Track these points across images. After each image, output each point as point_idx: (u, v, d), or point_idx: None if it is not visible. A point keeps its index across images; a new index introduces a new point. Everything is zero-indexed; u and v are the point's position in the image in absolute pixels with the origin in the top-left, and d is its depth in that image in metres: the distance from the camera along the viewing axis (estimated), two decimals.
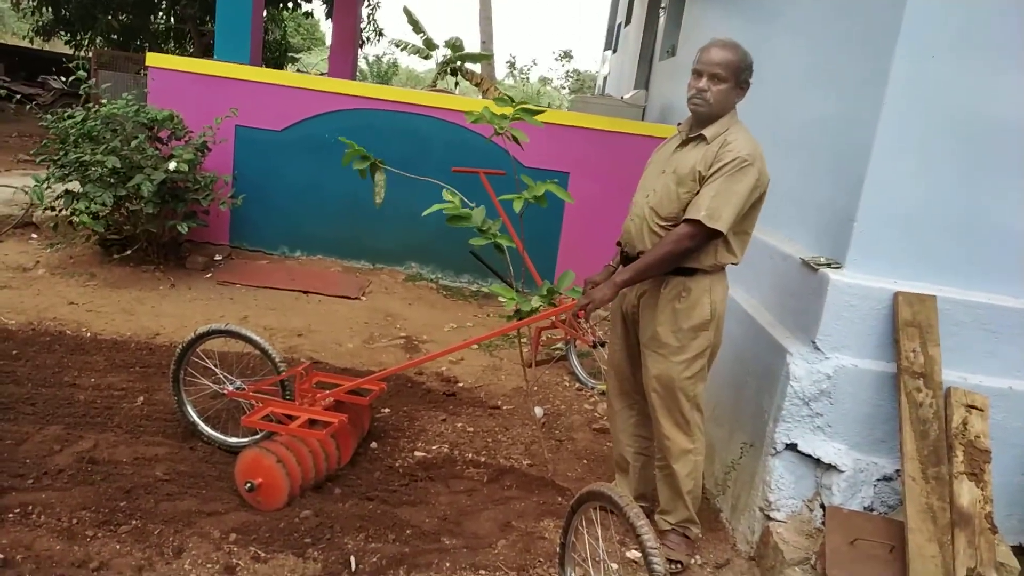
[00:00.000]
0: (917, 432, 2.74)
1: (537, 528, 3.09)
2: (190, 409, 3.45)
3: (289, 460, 3.01)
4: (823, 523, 2.88)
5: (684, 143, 2.88)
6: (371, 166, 3.51)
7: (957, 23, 2.78)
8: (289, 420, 3.17)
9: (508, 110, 3.55)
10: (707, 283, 2.82)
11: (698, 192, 2.72)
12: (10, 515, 2.72)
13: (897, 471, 2.88)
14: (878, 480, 2.92)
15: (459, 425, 3.96)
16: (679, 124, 2.96)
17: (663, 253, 2.72)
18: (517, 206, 3.36)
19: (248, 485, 2.96)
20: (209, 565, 2.62)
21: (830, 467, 2.94)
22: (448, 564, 2.78)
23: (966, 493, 2.64)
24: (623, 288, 2.86)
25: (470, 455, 3.66)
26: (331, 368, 4.38)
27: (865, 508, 2.92)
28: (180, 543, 2.70)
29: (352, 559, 2.72)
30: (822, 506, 2.94)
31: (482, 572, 2.78)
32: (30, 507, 2.77)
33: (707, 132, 2.77)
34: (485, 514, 3.15)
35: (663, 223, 2.82)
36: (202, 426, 3.45)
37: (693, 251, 2.73)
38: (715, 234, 2.66)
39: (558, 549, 2.52)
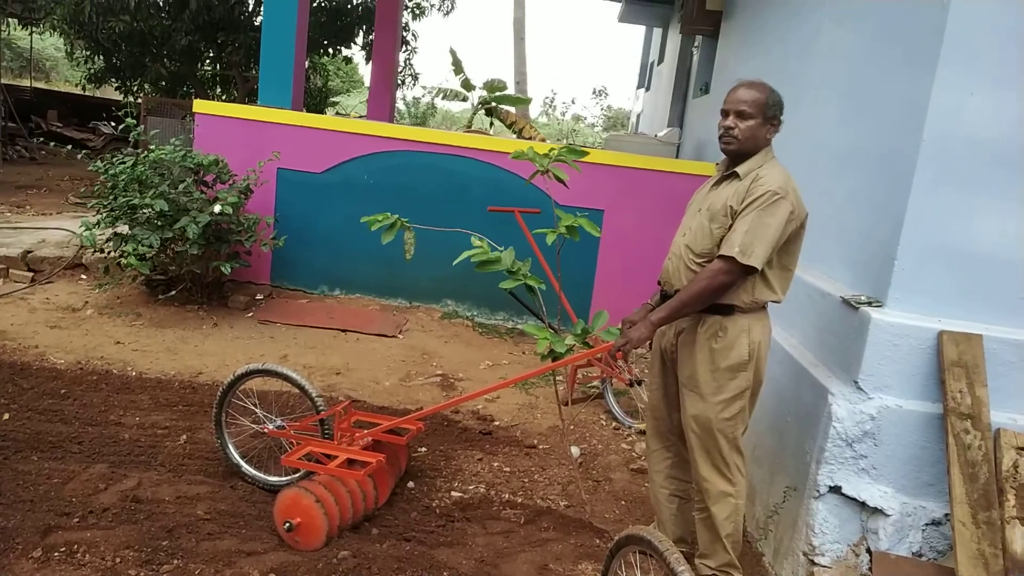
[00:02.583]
0: (966, 475, 2.66)
1: (575, 571, 3.05)
2: (232, 450, 3.51)
3: (328, 500, 3.03)
4: (870, 569, 2.81)
5: (719, 182, 2.90)
6: (400, 226, 3.54)
7: (996, 56, 2.76)
8: (328, 459, 3.20)
9: (552, 147, 3.61)
10: (745, 323, 2.78)
11: (731, 227, 2.72)
12: (56, 554, 2.77)
13: (946, 515, 2.80)
14: (926, 524, 2.84)
15: (495, 465, 3.95)
16: (718, 164, 2.97)
17: (697, 290, 2.71)
18: (550, 239, 3.40)
19: (287, 525, 2.98)
20: None
21: (876, 511, 2.87)
22: None
23: (1019, 539, 2.55)
24: (659, 327, 2.84)
25: (507, 495, 3.65)
26: (369, 407, 4.41)
27: (914, 553, 2.84)
28: None
29: None
30: (868, 551, 2.87)
31: None
32: (75, 546, 2.82)
33: (740, 169, 2.79)
34: (522, 556, 3.12)
35: (698, 260, 2.82)
36: (244, 467, 3.49)
37: (728, 287, 2.71)
38: (750, 270, 2.65)
39: None
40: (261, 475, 3.47)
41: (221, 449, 3.51)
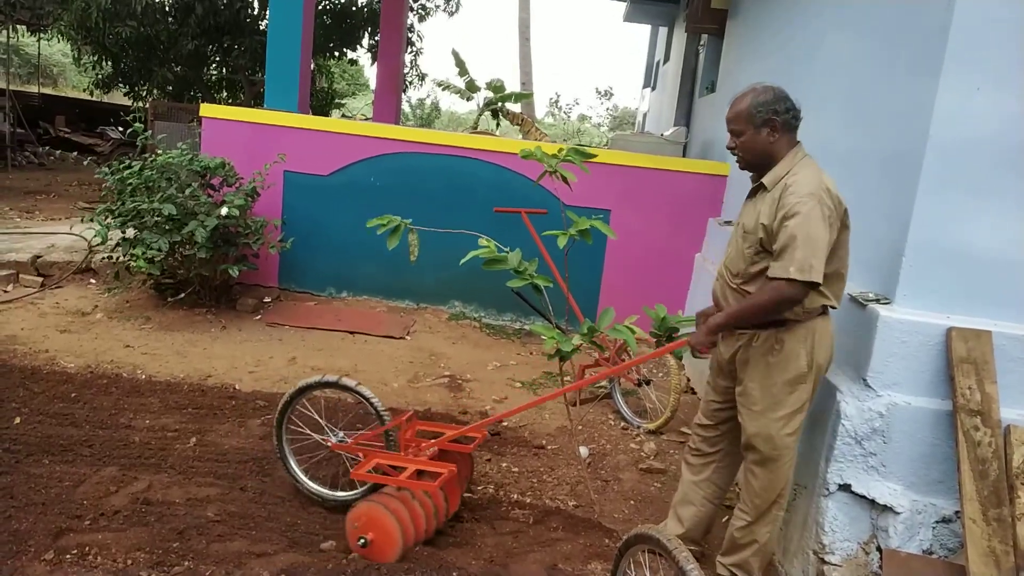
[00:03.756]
0: (976, 472, 2.65)
1: (584, 571, 3.05)
2: (294, 464, 3.40)
3: (402, 514, 2.95)
4: (880, 567, 2.79)
5: (752, 194, 2.86)
6: (403, 228, 3.52)
7: (1002, 54, 2.76)
8: (395, 471, 3.12)
9: (559, 147, 3.61)
10: (802, 333, 2.69)
11: (771, 243, 2.62)
12: (68, 556, 2.79)
13: (956, 512, 2.78)
14: (937, 522, 2.83)
15: (504, 465, 3.96)
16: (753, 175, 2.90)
17: (759, 304, 2.59)
18: (561, 242, 3.39)
19: (361, 541, 2.90)
20: None
21: (886, 508, 2.85)
22: None
23: None
24: (716, 332, 2.76)
25: (515, 496, 3.65)
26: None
27: (924, 551, 2.83)
28: None
29: None
30: (879, 549, 2.86)
31: None
32: (87, 548, 2.83)
33: (766, 180, 2.73)
34: (531, 556, 3.12)
35: (735, 280, 2.81)
36: (307, 482, 3.39)
37: (795, 302, 2.57)
38: (812, 285, 2.54)
39: None
40: (326, 491, 3.37)
41: (284, 467, 3.41)
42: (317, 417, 3.42)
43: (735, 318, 2.70)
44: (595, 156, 3.82)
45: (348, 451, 3.33)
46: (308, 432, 3.44)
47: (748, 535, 2.87)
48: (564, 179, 3.63)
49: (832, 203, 2.59)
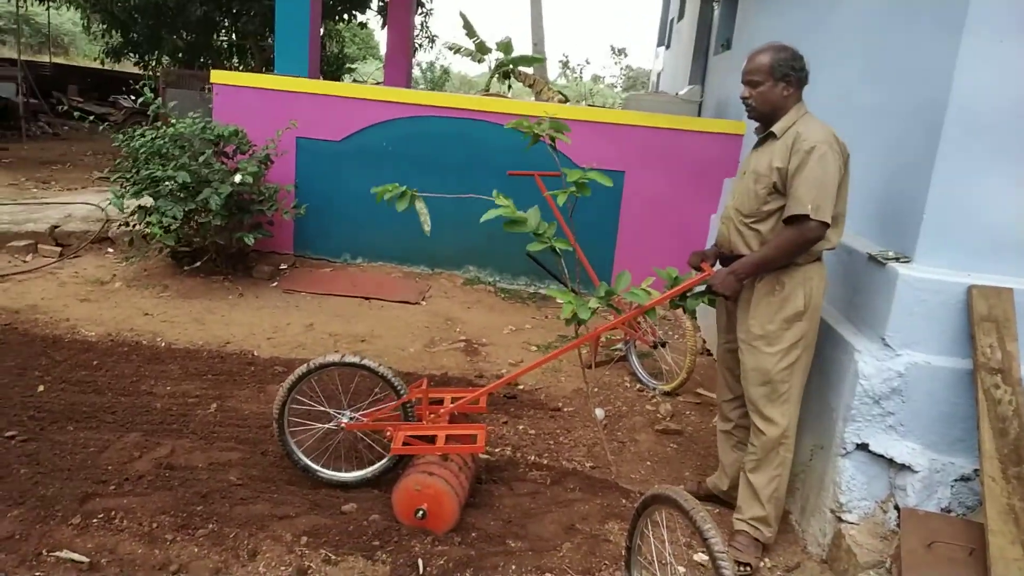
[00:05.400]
0: (996, 430, 2.64)
1: (602, 531, 3.08)
2: (297, 450, 3.25)
3: (453, 481, 2.97)
4: (898, 525, 2.80)
5: (758, 144, 3.00)
6: (410, 197, 3.44)
7: None
8: (422, 441, 3.12)
9: (550, 109, 3.54)
10: (801, 275, 2.86)
11: (784, 186, 2.79)
12: (94, 520, 2.85)
13: (975, 471, 2.77)
14: (955, 480, 2.82)
15: (521, 427, 3.98)
16: (757, 128, 3.05)
17: (784, 245, 2.77)
18: (560, 200, 3.37)
19: (419, 512, 2.92)
20: (282, 568, 2.70)
21: (904, 467, 2.85)
22: (514, 567, 2.80)
23: None
24: (744, 278, 2.89)
25: (532, 457, 3.68)
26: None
27: (942, 509, 2.82)
28: (254, 546, 2.78)
29: (419, 562, 2.76)
30: (896, 508, 2.86)
31: (547, 575, 2.79)
32: (113, 512, 2.89)
33: (776, 128, 2.89)
34: (549, 517, 3.15)
35: (747, 220, 2.95)
36: (313, 466, 3.27)
37: (815, 241, 2.76)
38: (824, 225, 2.72)
39: (624, 552, 2.51)
40: (335, 474, 3.27)
41: (287, 454, 3.25)
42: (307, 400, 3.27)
43: (762, 263, 2.84)
44: (569, 129, 3.70)
45: (368, 429, 3.26)
46: (311, 415, 3.29)
47: (757, 478, 2.97)
48: (552, 141, 3.59)
49: (840, 148, 2.77)
